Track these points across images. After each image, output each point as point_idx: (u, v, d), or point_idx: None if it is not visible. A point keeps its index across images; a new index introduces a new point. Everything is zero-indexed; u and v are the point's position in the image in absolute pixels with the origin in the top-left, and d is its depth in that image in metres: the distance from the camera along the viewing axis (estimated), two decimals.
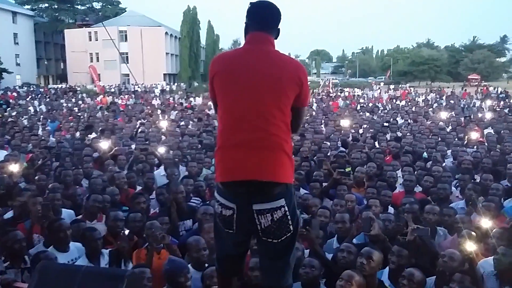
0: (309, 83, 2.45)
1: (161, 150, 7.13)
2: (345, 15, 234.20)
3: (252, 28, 2.31)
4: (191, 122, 12.00)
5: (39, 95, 28.94)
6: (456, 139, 8.66)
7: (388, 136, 8.93)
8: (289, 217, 2.23)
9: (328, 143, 8.14)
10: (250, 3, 2.35)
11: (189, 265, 3.52)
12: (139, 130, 9.92)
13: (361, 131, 10.12)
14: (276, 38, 2.35)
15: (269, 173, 2.16)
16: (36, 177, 5.66)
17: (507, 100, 22.62)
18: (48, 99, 24.28)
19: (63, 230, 3.68)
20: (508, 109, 16.35)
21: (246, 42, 2.34)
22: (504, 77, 58.62)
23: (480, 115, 13.13)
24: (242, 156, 2.18)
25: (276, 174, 2.17)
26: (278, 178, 2.18)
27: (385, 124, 10.64)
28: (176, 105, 18.49)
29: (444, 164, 6.67)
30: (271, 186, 2.17)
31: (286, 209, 2.22)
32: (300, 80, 2.24)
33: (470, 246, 3.23)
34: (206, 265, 3.49)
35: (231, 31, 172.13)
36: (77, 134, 9.64)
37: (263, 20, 2.31)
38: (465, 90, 29.37)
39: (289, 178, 2.24)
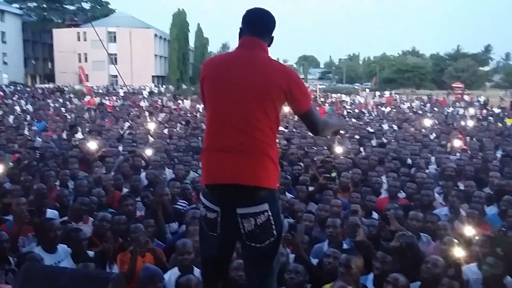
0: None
1: (148, 152, 7.11)
2: (333, 22, 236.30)
3: (246, 32, 2.33)
4: (178, 124, 11.97)
5: (26, 94, 28.48)
6: (439, 146, 8.80)
7: (373, 142, 9.04)
8: (272, 222, 2.24)
9: (315, 148, 8.20)
10: (247, 10, 2.37)
11: (176, 268, 3.51)
12: (127, 132, 9.86)
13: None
14: (269, 45, 2.36)
15: (252, 178, 2.17)
16: (22, 178, 5.58)
17: (489, 108, 22.99)
18: (35, 99, 23.91)
19: (53, 231, 3.65)
20: (490, 117, 16.68)
21: (239, 46, 2.34)
22: (488, 86, 59.42)
23: (463, 123, 13.38)
24: (226, 159, 2.19)
25: (259, 178, 2.18)
26: (261, 183, 2.18)
27: (370, 130, 10.74)
28: (164, 107, 18.39)
29: (427, 171, 6.77)
30: (254, 190, 2.18)
31: (270, 214, 2.22)
32: (288, 85, 2.22)
33: (457, 252, 3.29)
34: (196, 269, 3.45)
35: (220, 35, 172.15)
36: (64, 134, 9.54)
37: (257, 25, 2.32)
38: (444, 98, 29.87)
39: (272, 183, 2.24)
